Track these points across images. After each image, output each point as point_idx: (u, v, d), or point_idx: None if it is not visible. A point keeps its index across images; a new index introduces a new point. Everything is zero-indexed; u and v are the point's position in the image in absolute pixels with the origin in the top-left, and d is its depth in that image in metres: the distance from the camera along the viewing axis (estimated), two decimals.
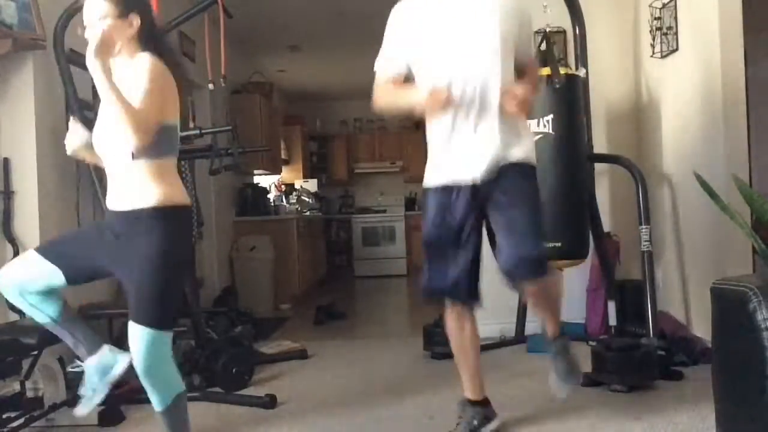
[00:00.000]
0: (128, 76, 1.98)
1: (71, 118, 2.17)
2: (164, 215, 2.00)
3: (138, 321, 1.98)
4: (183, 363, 3.05)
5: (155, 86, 1.94)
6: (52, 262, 2.06)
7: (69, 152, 2.15)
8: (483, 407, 2.41)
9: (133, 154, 1.96)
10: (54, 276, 2.06)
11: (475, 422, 2.36)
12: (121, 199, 2.03)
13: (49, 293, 2.09)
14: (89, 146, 2.11)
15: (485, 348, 3.72)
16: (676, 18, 3.69)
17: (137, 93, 1.90)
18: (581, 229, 3.33)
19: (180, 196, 2.07)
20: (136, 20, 2.02)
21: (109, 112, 2.03)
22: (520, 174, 2.23)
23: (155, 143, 1.97)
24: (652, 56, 3.94)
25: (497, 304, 3.08)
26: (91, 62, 1.86)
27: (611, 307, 3.56)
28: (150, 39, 2.06)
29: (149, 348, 1.98)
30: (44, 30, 3.07)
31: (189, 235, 2.13)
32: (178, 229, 2.05)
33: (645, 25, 3.99)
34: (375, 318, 5.88)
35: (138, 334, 1.98)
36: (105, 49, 1.90)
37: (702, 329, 3.39)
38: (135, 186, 2.00)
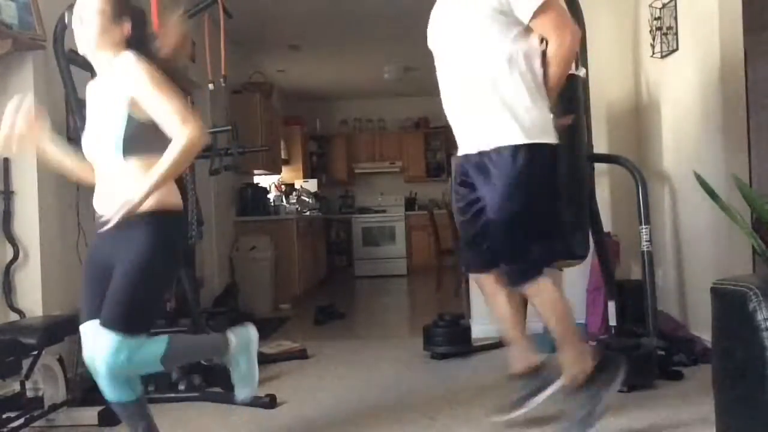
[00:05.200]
0: (116, 78, 1.97)
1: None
2: (154, 221, 1.95)
3: (102, 322, 1.92)
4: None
5: (162, 86, 1.92)
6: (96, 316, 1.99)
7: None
8: (527, 377, 2.37)
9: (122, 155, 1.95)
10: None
11: (523, 393, 2.33)
12: (113, 203, 1.92)
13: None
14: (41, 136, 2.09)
15: (485, 348, 3.74)
16: (676, 18, 3.69)
17: (159, 109, 1.92)
18: (581, 229, 3.33)
19: (173, 197, 2.02)
20: (126, 28, 2.03)
21: (95, 117, 2.04)
22: None
23: (144, 140, 1.95)
24: (652, 56, 3.94)
25: None
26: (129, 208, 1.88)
27: (611, 307, 3.56)
28: (137, 47, 2.03)
29: (107, 352, 1.90)
30: (44, 30, 3.07)
31: (176, 244, 2.05)
32: (166, 238, 1.99)
33: (645, 25, 3.99)
34: (375, 318, 5.89)
35: (100, 334, 1.92)
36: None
37: (701, 329, 3.39)
38: (126, 188, 1.91)
